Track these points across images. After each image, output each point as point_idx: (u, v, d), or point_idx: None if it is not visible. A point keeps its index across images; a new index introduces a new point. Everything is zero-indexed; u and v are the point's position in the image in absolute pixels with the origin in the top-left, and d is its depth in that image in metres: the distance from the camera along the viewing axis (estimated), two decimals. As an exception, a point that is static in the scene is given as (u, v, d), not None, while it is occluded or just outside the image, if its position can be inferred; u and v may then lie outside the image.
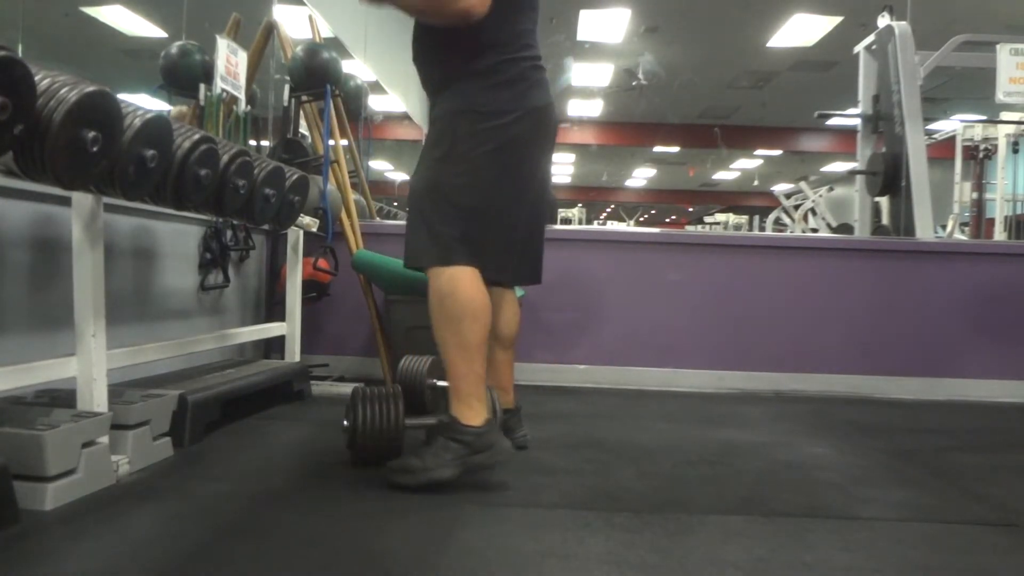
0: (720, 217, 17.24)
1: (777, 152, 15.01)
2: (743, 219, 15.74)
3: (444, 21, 1.74)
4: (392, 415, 1.87)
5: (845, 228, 6.95)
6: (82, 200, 1.72)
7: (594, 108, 12.26)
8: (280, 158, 2.82)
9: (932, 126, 8.99)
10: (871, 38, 4.26)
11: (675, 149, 15.01)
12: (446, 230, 1.78)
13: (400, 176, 14.59)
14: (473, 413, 1.74)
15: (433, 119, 1.87)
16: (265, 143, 3.35)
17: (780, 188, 12.53)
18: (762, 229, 12.07)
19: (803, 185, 9.23)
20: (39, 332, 2.00)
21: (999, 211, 6.88)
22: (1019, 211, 6.91)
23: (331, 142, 3.08)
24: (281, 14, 3.28)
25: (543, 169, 1.96)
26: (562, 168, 17.62)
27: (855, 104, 4.48)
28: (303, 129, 3.23)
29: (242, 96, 2.59)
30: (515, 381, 2.14)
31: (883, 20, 4.13)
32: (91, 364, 1.76)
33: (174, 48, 2.74)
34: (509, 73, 1.79)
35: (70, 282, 1.75)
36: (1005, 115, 6.48)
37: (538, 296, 3.19)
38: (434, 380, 2.62)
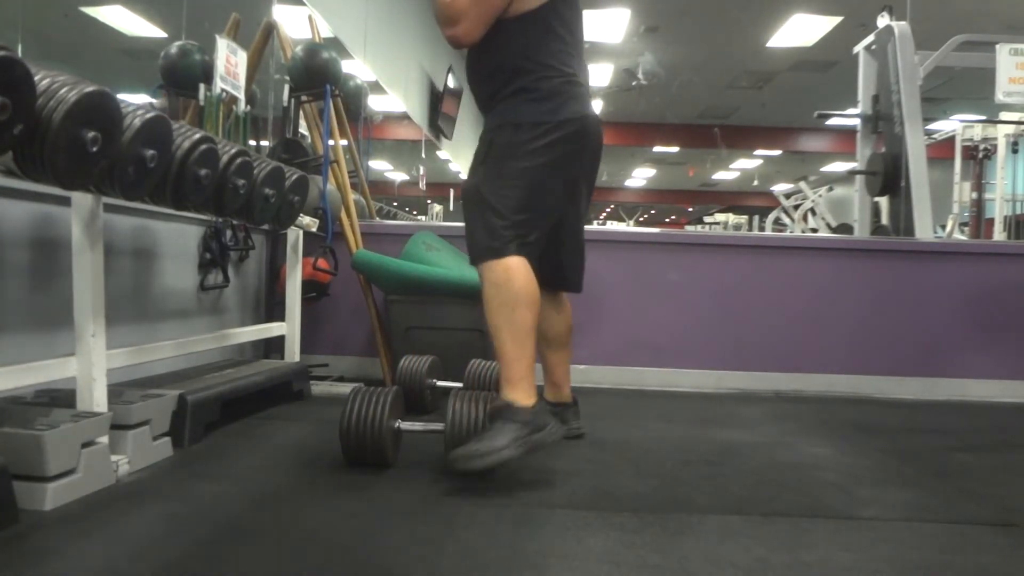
0: (720, 217, 17.25)
1: (777, 152, 15.01)
2: (743, 219, 15.74)
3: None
4: (376, 416, 1.85)
5: (845, 228, 6.96)
6: (82, 200, 1.72)
7: (594, 108, 12.25)
8: (280, 158, 2.82)
9: (932, 126, 9.00)
10: (871, 38, 4.26)
11: (675, 149, 15.01)
12: (491, 227, 1.92)
13: (400, 176, 14.60)
14: (526, 395, 1.83)
15: (481, 134, 2.07)
16: (265, 143, 3.35)
17: (780, 188, 12.54)
18: (762, 229, 12.06)
19: (803, 185, 9.23)
20: (39, 332, 2.00)
21: (998, 211, 6.88)
22: (1018, 211, 6.91)
23: (331, 142, 3.08)
24: (281, 14, 3.29)
25: (582, 179, 2.13)
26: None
27: (855, 104, 4.48)
28: (303, 129, 3.23)
29: (242, 96, 2.59)
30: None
31: (883, 20, 4.13)
32: (91, 364, 1.76)
33: (174, 48, 2.74)
34: (543, 89, 1.98)
35: (70, 282, 1.75)
36: (1005, 115, 6.49)
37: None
38: (433, 380, 2.63)
